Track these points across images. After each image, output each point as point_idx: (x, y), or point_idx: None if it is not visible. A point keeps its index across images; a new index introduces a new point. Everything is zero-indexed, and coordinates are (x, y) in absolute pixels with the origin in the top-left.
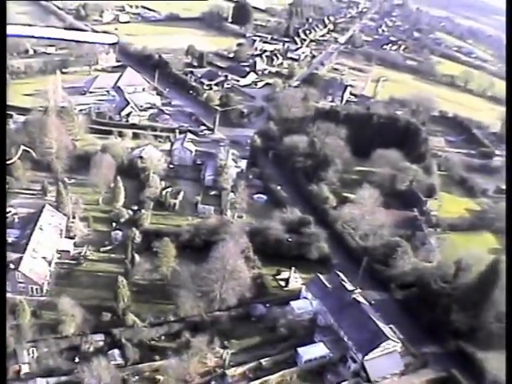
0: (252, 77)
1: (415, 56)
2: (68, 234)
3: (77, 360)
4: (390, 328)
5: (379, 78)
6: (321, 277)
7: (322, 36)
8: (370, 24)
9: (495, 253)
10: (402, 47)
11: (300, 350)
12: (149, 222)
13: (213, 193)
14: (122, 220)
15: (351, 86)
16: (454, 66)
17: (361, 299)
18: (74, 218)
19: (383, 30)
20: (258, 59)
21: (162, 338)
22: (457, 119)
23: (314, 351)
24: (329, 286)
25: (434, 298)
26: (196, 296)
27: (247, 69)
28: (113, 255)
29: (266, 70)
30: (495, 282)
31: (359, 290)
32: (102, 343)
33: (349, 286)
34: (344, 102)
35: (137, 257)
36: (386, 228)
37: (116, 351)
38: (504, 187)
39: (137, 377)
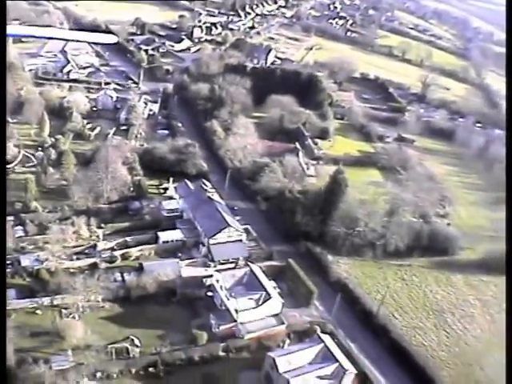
0: (186, 43)
1: (360, 30)
2: None
3: None
4: (246, 229)
5: (313, 46)
6: (187, 182)
7: (271, 11)
8: (325, 1)
9: (377, 185)
10: (350, 22)
11: (160, 233)
12: (66, 147)
13: (123, 128)
14: (46, 145)
15: (282, 52)
16: (399, 40)
17: (215, 197)
18: (8, 142)
19: (335, 7)
20: (195, 29)
21: (56, 221)
22: (378, 81)
23: (171, 235)
24: (192, 188)
25: (290, 207)
26: (86, 192)
27: (184, 37)
28: (34, 169)
29: (201, 38)
30: (338, 191)
31: (214, 190)
32: (12, 222)
33: (207, 188)
34: (268, 64)
35: (50, 169)
36: (264, 155)
37: (20, 227)
38: (407, 136)
39: (33, 245)
